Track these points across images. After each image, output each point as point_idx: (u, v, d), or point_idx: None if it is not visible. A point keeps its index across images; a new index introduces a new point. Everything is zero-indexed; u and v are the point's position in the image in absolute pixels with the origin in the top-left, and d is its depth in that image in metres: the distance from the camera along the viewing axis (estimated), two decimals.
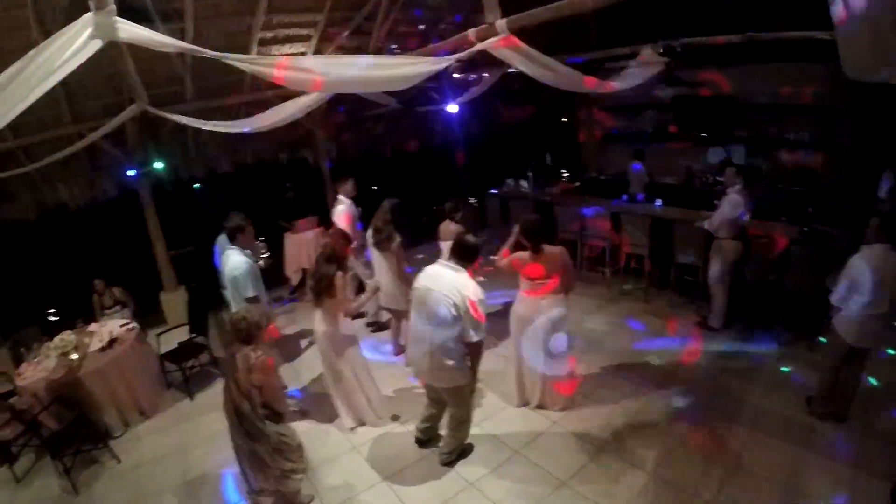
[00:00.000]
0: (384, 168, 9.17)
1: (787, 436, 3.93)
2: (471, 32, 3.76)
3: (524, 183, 8.89)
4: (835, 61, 2.63)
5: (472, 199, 9.29)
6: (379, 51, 6.69)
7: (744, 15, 5.33)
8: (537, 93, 7.83)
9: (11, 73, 2.25)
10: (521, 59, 3.57)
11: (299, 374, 5.45)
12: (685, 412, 4.34)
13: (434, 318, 3.37)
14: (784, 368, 4.78)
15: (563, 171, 9.65)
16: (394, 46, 6.76)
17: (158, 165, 6.56)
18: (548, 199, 8.15)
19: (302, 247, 7.23)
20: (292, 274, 7.43)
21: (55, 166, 5.61)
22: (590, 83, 4.24)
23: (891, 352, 4.66)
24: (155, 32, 2.60)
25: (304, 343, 6.12)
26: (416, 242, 7.71)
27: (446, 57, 3.53)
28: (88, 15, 2.35)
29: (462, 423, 3.83)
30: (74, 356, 4.80)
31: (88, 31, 2.35)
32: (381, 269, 5.15)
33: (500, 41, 3.45)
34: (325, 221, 7.26)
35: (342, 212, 5.87)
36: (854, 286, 3.58)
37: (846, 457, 3.69)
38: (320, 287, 4.02)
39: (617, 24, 6.06)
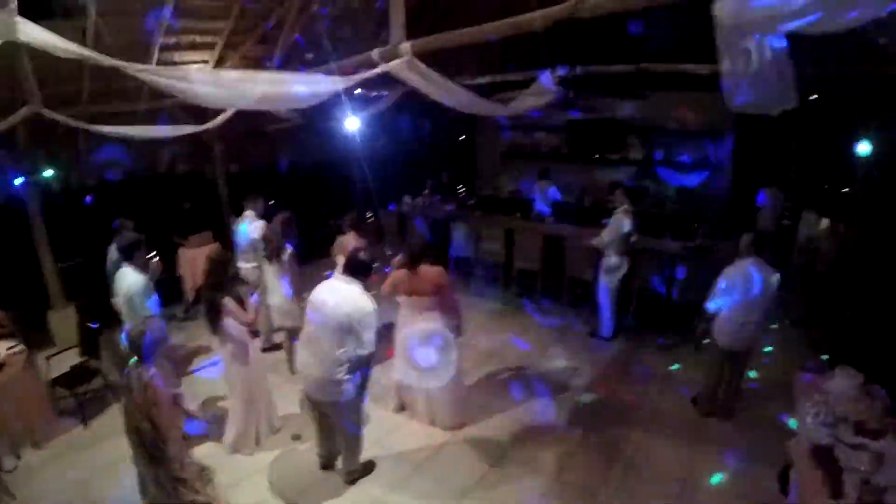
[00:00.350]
0: (283, 182, 9.07)
1: (678, 434, 4.39)
2: (374, 53, 3.82)
3: (420, 200, 9.03)
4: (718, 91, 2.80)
5: (369, 215, 9.43)
6: (285, 60, 6.59)
7: (638, 47, 5.77)
8: (438, 110, 8.04)
9: None
10: (421, 81, 3.65)
11: (196, 393, 5.27)
12: (582, 417, 4.70)
13: (326, 331, 3.41)
14: (674, 366, 5.33)
15: (459, 188, 9.95)
16: (309, 56, 6.67)
17: (47, 173, 6.10)
18: (443, 216, 8.32)
19: (196, 263, 6.96)
20: (190, 291, 7.16)
21: None
22: (488, 109, 4.45)
23: (768, 350, 5.36)
24: (57, 37, 2.48)
25: (198, 361, 5.97)
26: (311, 257, 7.63)
27: (348, 77, 3.56)
28: None
29: (354, 438, 3.89)
30: None
31: None
32: (272, 284, 5.17)
33: (403, 64, 3.51)
34: (221, 237, 7.19)
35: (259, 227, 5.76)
36: (727, 294, 4.08)
37: (734, 449, 4.16)
38: (212, 316, 4.02)
39: (519, 47, 6.33)
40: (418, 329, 4.24)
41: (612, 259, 5.55)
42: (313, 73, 3.62)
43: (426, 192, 9.06)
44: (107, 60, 2.65)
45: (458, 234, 7.59)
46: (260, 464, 4.28)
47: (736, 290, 4.03)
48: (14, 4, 2.25)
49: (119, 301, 4.47)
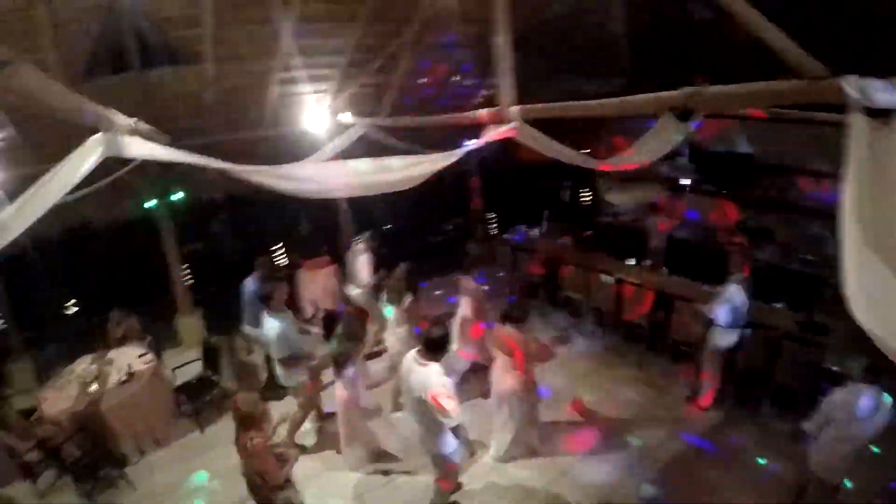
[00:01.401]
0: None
1: None
2: (483, 113, 3.78)
3: (536, 231, 8.67)
4: None
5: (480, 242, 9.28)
6: (401, 91, 6.76)
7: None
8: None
9: (31, 193, 2.42)
10: (532, 141, 3.55)
11: None
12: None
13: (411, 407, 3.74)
14: (761, 460, 4.76)
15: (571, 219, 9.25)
16: (422, 80, 6.78)
17: (177, 195, 6.83)
18: (556, 254, 7.81)
19: (314, 283, 7.47)
20: (308, 308, 7.58)
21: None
22: (603, 167, 4.21)
23: None
24: (160, 146, 2.73)
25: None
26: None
27: (454, 152, 3.50)
28: (98, 135, 2.50)
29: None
30: (94, 387, 5.11)
31: (99, 150, 2.51)
32: (391, 324, 5.37)
33: (512, 130, 3.44)
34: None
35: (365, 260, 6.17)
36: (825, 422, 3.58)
37: None
38: (340, 362, 4.43)
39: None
40: (498, 389, 4.32)
41: (720, 331, 5.04)
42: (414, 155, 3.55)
43: (543, 222, 8.67)
44: (214, 163, 2.82)
45: (568, 275, 7.20)
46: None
47: (835, 421, 3.47)
48: (118, 127, 2.46)
49: (268, 342, 4.94)
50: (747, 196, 7.71)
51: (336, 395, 4.53)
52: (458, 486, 4.55)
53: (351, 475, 4.75)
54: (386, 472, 4.77)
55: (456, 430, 3.71)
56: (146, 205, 6.65)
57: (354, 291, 6.32)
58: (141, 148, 2.65)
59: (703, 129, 7.39)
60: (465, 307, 5.50)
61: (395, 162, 3.27)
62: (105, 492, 4.75)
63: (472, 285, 5.49)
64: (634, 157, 4.75)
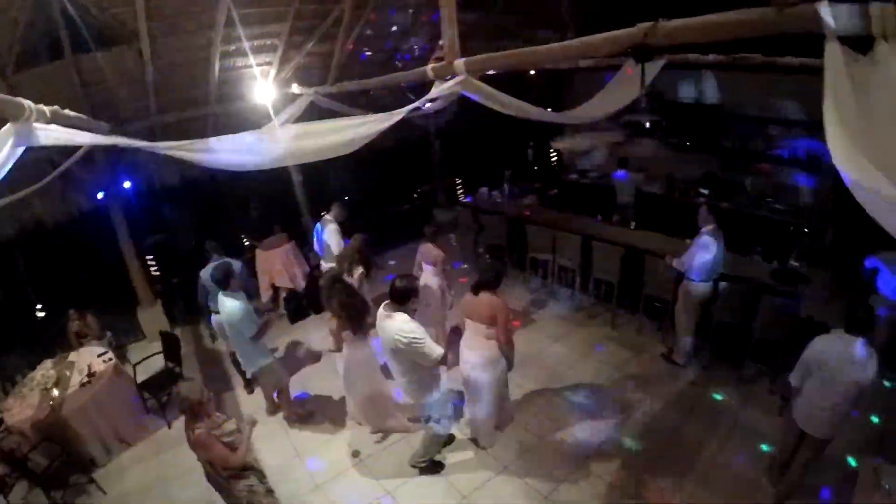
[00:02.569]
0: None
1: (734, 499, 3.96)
2: (429, 69, 3.56)
3: (497, 193, 8.47)
4: None
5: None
6: (349, 56, 6.42)
7: None
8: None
9: None
10: (480, 95, 3.36)
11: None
12: (636, 454, 4.41)
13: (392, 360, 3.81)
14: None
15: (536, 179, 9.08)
16: (366, 52, 6.46)
17: (127, 183, 6.48)
18: (520, 214, 7.65)
19: (272, 263, 7.15)
20: (265, 290, 7.34)
21: None
22: (560, 120, 4.02)
23: None
24: (74, 131, 2.45)
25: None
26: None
27: (399, 111, 3.29)
28: (7, 126, 2.24)
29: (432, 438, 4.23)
30: (56, 392, 4.88)
31: (10, 140, 2.26)
32: None
33: (458, 84, 3.26)
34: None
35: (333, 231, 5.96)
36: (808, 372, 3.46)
37: None
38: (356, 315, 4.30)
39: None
40: (471, 356, 4.20)
41: (693, 285, 4.99)
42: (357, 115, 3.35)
43: (505, 184, 8.50)
44: (122, 142, 2.62)
45: (534, 236, 7.00)
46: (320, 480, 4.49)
47: (818, 370, 3.34)
48: (28, 115, 2.26)
49: (224, 326, 4.75)
50: (716, 147, 7.63)
51: (351, 355, 4.40)
52: (451, 439, 4.56)
53: (346, 435, 4.82)
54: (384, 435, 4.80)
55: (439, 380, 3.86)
56: (98, 196, 6.29)
57: (327, 265, 6.07)
58: (57, 135, 2.40)
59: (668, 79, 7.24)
60: (427, 275, 5.35)
61: (339, 123, 3.09)
62: (77, 498, 4.55)
63: (433, 252, 5.30)
64: (593, 109, 4.59)
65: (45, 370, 5.23)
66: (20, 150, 2.35)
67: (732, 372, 5.16)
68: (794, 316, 4.55)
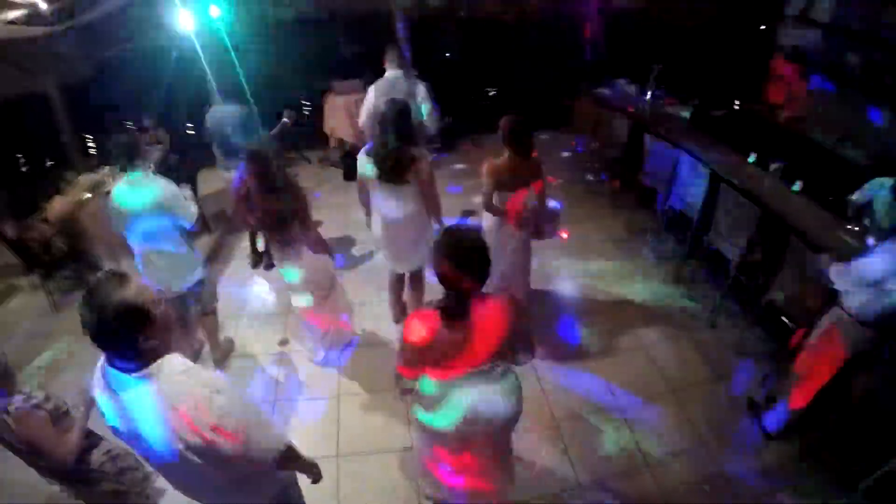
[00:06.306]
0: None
1: None
2: None
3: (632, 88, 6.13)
4: None
5: None
6: None
7: None
8: None
9: None
10: None
11: None
12: None
13: None
14: None
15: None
16: None
17: None
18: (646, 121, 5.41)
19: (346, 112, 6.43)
20: (334, 140, 6.82)
21: None
22: None
23: None
24: None
25: None
26: None
27: None
28: None
29: None
30: (88, 195, 5.04)
31: None
32: None
33: None
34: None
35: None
36: None
37: None
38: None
39: None
40: None
41: (848, 322, 2.65)
42: None
43: (651, 80, 5.82)
44: None
45: (684, 169, 4.48)
46: None
47: None
48: None
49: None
50: None
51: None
52: None
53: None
54: None
55: None
56: None
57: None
58: None
59: None
60: None
61: None
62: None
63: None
64: None
65: (91, 174, 5.38)
66: None
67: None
68: None
